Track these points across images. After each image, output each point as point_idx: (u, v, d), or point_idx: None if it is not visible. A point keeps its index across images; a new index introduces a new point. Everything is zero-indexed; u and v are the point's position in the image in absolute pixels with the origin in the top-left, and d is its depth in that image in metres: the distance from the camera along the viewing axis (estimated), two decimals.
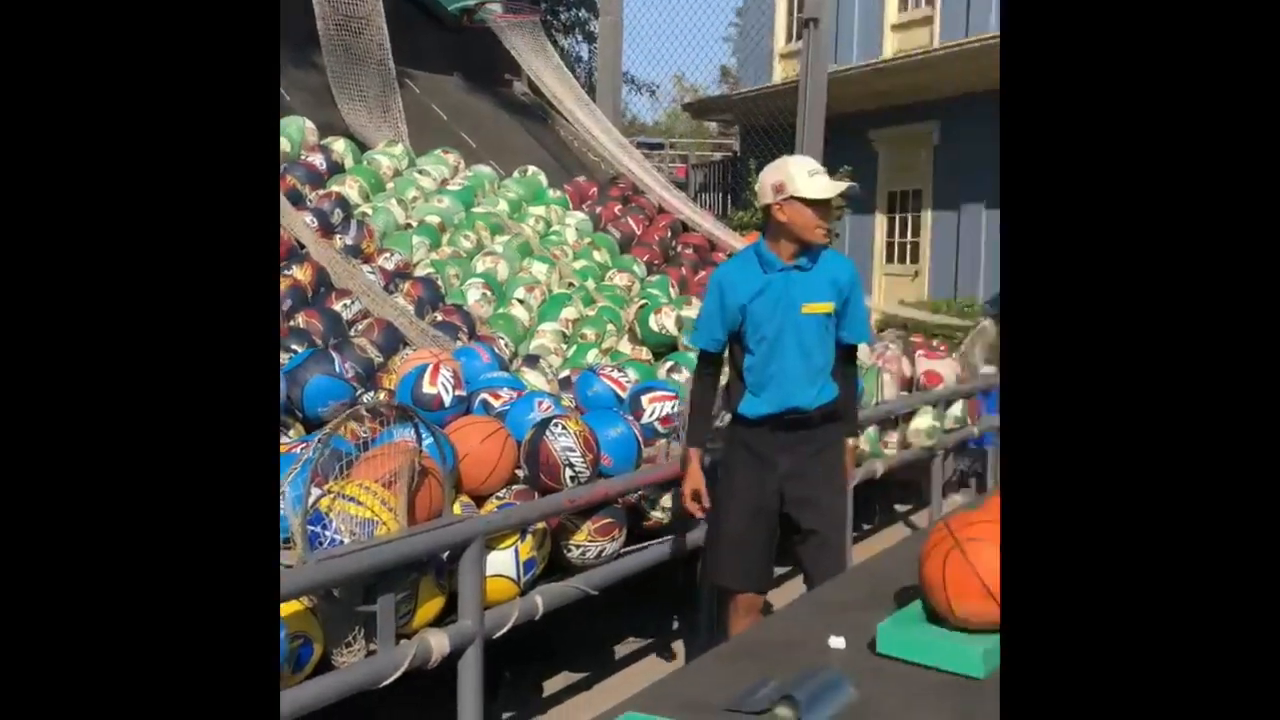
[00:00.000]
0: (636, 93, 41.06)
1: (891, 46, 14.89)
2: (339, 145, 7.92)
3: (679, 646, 4.64)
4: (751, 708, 1.82)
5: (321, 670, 2.86)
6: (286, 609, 2.72)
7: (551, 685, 4.12)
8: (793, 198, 3.29)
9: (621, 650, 4.45)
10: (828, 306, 3.41)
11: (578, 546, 3.78)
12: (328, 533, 2.89)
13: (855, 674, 1.97)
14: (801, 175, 3.31)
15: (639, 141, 23.78)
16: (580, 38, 22.69)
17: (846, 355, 3.60)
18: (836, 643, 2.15)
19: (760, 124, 14.66)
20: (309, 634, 2.83)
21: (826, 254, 3.45)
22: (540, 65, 10.77)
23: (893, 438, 5.85)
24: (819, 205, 3.31)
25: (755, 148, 15.37)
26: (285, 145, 7.34)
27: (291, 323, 5.44)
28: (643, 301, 6.90)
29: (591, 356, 6.12)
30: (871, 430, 5.57)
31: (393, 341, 5.61)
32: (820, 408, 3.46)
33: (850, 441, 3.70)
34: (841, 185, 3.45)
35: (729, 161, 18.37)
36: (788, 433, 3.45)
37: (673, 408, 4.62)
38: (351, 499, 2.98)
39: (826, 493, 3.50)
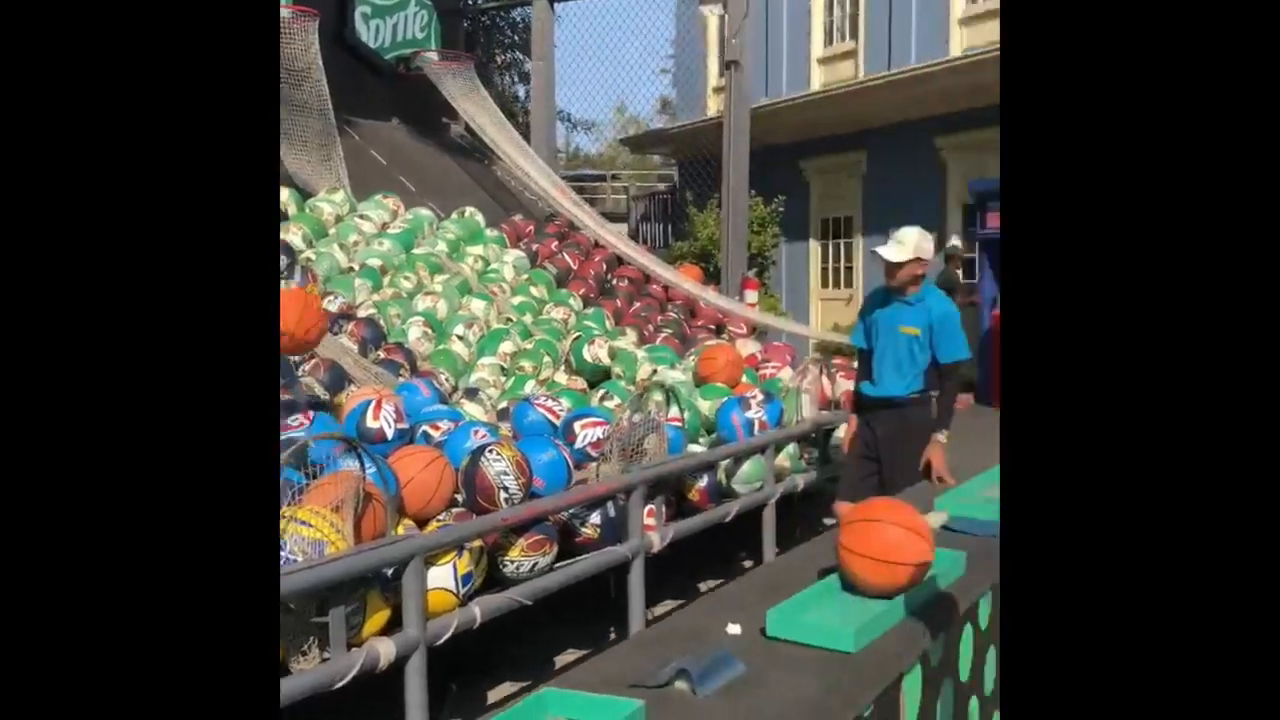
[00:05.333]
0: (574, 130, 41.53)
1: (819, 79, 15.45)
2: (282, 194, 8.19)
3: None
4: (654, 682, 2.15)
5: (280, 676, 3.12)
6: None
7: (496, 694, 4.38)
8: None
9: (562, 660, 4.72)
10: (915, 330, 4.63)
11: (512, 561, 4.07)
12: (283, 553, 3.17)
13: (748, 654, 2.31)
14: (882, 245, 4.66)
15: (581, 174, 23.96)
16: (516, 78, 23.04)
17: (941, 369, 4.70)
18: (733, 629, 2.49)
19: (697, 156, 15.12)
20: None
21: (928, 292, 4.68)
22: (475, 109, 11.12)
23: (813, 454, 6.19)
24: (888, 265, 4.61)
25: (692, 180, 15.82)
26: None
27: None
28: (577, 334, 7.22)
29: (529, 388, 6.41)
30: (792, 447, 5.91)
31: (338, 380, 5.87)
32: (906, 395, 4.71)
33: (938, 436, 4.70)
34: (888, 253, 4.59)
35: (670, 192, 18.74)
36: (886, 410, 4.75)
37: (603, 433, 4.95)
38: (303, 522, 3.27)
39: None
